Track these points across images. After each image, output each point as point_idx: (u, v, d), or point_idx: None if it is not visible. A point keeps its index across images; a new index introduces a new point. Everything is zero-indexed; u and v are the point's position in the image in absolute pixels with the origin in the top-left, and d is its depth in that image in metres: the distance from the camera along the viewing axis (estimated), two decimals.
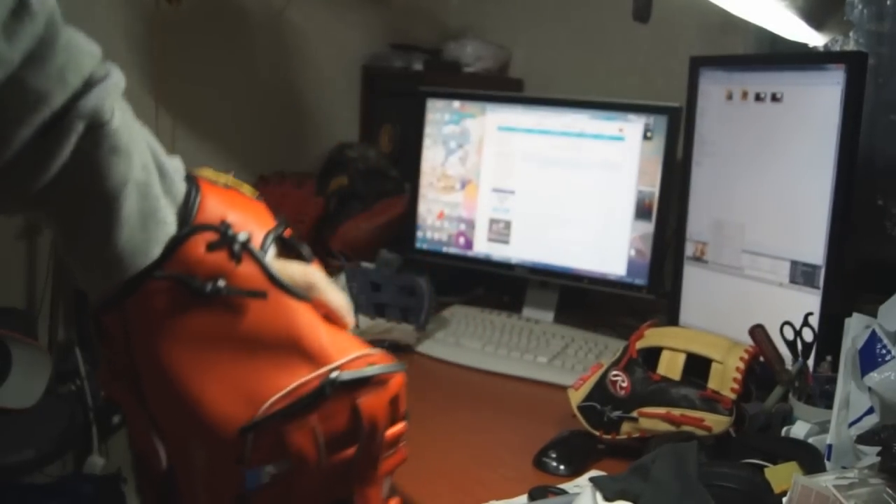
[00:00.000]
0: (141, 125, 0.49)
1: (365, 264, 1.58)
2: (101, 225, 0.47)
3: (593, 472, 1.06)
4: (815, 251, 1.23)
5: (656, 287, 1.58)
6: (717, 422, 1.03)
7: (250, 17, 2.13)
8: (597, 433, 1.12)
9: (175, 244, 0.48)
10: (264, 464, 0.50)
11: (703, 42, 1.58)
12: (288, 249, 0.54)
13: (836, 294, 1.21)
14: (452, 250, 1.80)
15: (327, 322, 0.52)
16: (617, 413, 1.09)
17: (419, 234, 1.85)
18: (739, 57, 1.51)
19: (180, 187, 0.50)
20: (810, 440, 1.01)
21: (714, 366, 1.06)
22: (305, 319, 0.50)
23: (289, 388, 0.49)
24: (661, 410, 1.06)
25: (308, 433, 0.49)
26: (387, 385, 0.52)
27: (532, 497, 0.99)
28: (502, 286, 1.85)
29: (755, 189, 1.33)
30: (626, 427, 1.09)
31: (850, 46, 1.38)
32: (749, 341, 1.13)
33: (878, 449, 0.81)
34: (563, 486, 1.02)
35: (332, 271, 1.41)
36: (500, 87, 2.09)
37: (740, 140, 1.36)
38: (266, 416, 0.48)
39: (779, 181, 1.29)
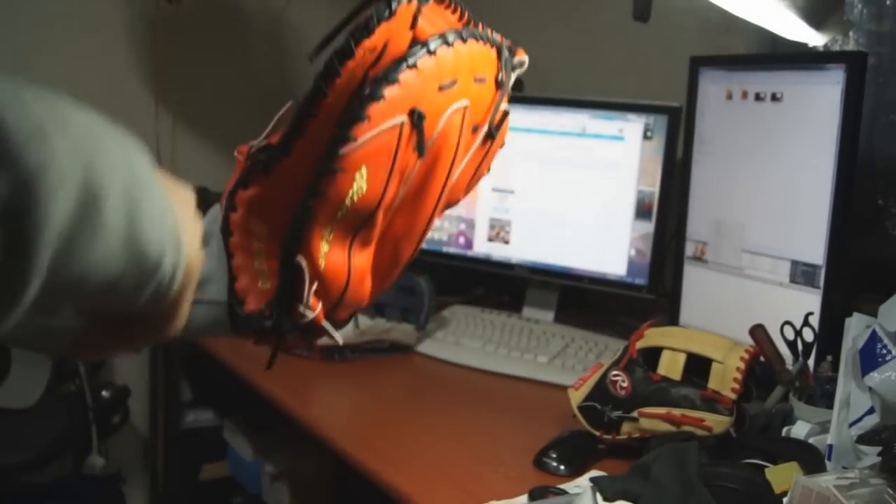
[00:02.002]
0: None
1: None
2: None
3: (594, 473, 1.06)
4: (815, 251, 1.23)
5: (656, 287, 1.58)
6: (718, 422, 1.03)
7: (250, 17, 2.13)
8: (597, 433, 1.11)
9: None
10: None
11: (702, 42, 1.58)
12: None
13: (837, 294, 1.21)
14: (452, 250, 1.80)
15: None
16: (617, 413, 1.09)
17: None
18: (739, 57, 1.50)
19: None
20: (811, 440, 1.01)
21: (714, 366, 1.06)
22: None
23: None
24: (662, 410, 1.06)
25: None
26: None
27: (532, 497, 0.98)
28: (502, 286, 1.85)
29: (755, 189, 1.33)
30: (626, 427, 1.09)
31: (850, 46, 1.38)
32: (749, 341, 1.13)
33: (878, 449, 0.81)
34: (563, 486, 1.02)
35: None
36: None
37: (740, 140, 1.35)
38: None
39: (779, 181, 1.29)
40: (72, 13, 1.90)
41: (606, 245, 1.62)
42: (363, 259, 0.62)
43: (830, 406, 0.96)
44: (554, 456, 1.10)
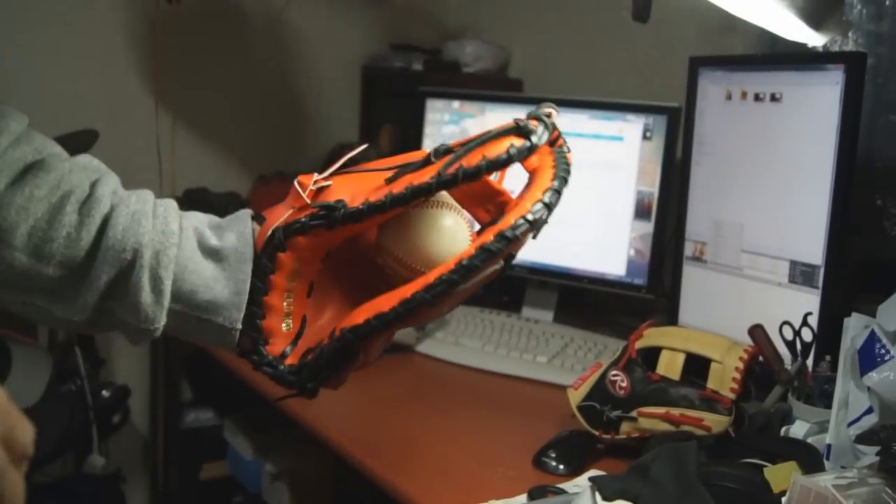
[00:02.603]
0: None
1: None
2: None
3: (593, 472, 1.06)
4: (814, 251, 1.23)
5: (655, 287, 1.58)
6: (717, 421, 1.03)
7: (250, 17, 2.13)
8: (596, 433, 1.12)
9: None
10: None
11: (702, 42, 1.58)
12: None
13: (835, 294, 1.21)
14: None
15: None
16: (616, 413, 1.09)
17: None
18: (739, 57, 1.51)
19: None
20: (809, 440, 1.01)
21: (713, 365, 1.06)
22: None
23: None
24: (661, 410, 1.06)
25: None
26: None
27: (531, 496, 0.99)
28: (501, 286, 1.85)
29: (754, 189, 1.33)
30: (625, 427, 1.09)
31: (849, 46, 1.38)
32: (748, 341, 1.13)
33: (877, 449, 0.81)
34: (562, 485, 1.02)
35: None
36: (499, 87, 2.09)
37: (739, 140, 1.36)
38: None
39: (778, 181, 1.29)
40: (72, 14, 1.90)
41: (606, 245, 1.63)
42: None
43: (829, 406, 0.96)
44: (553, 455, 1.10)
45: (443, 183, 0.59)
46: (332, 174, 0.63)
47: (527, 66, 2.14)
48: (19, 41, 1.85)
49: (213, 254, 0.62)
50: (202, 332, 0.62)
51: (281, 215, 0.62)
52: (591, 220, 1.64)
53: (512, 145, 0.59)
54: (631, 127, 1.59)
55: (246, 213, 0.64)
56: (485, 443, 1.19)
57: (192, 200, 1.95)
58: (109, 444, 1.89)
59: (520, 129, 0.61)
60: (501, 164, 0.59)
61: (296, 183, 0.63)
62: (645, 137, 1.58)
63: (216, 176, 2.08)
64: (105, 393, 1.80)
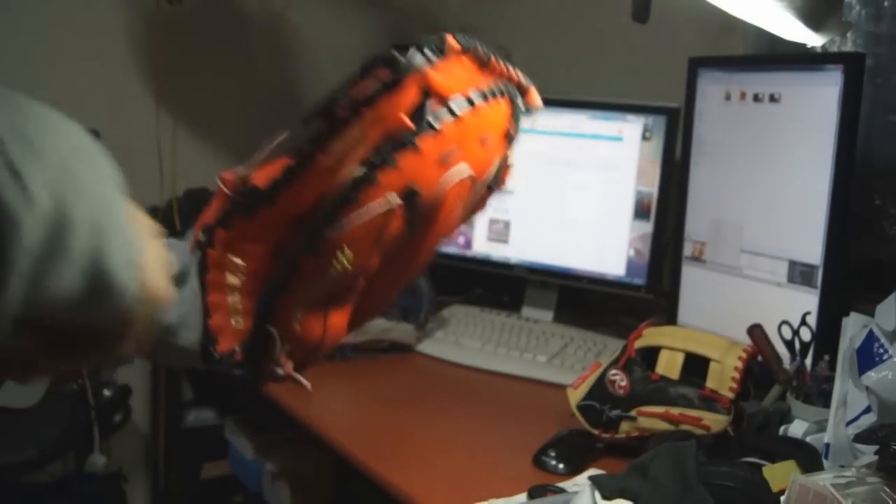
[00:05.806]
0: None
1: None
2: None
3: (592, 471, 1.06)
4: (813, 251, 1.23)
5: (655, 287, 1.58)
6: (716, 421, 1.04)
7: (251, 17, 2.13)
8: (596, 432, 1.12)
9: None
10: None
11: (701, 43, 1.58)
12: None
13: (834, 294, 1.21)
14: (452, 250, 1.80)
15: None
16: (616, 412, 1.10)
17: None
18: (738, 57, 1.51)
19: None
20: (808, 439, 1.01)
21: (712, 365, 1.06)
22: None
23: None
24: (660, 409, 1.06)
25: None
26: None
27: (531, 496, 0.99)
28: (501, 286, 1.86)
29: (753, 189, 1.33)
30: (624, 426, 1.10)
31: (848, 47, 1.39)
32: (747, 341, 1.13)
33: (875, 448, 0.82)
34: (562, 484, 1.02)
35: None
36: None
37: (739, 140, 1.36)
38: None
39: (777, 181, 1.29)
40: (73, 14, 1.90)
41: (605, 245, 1.63)
42: (340, 318, 0.61)
43: (827, 405, 0.97)
44: (553, 455, 1.10)
45: (320, 136, 0.55)
46: (253, 165, 0.61)
47: (527, 66, 2.13)
48: (20, 41, 1.85)
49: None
50: (172, 357, 0.62)
51: (208, 213, 0.61)
52: (590, 220, 1.65)
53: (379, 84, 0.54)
54: (630, 127, 1.60)
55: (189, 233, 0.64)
56: (485, 442, 1.19)
57: (192, 200, 1.95)
58: (110, 443, 1.89)
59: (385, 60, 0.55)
60: (369, 100, 0.54)
61: (219, 179, 0.61)
62: (644, 138, 1.58)
63: (216, 177, 2.08)
64: (106, 392, 1.80)
